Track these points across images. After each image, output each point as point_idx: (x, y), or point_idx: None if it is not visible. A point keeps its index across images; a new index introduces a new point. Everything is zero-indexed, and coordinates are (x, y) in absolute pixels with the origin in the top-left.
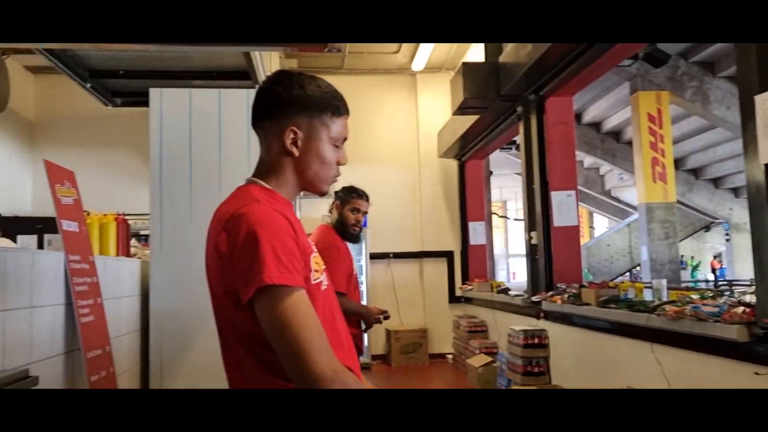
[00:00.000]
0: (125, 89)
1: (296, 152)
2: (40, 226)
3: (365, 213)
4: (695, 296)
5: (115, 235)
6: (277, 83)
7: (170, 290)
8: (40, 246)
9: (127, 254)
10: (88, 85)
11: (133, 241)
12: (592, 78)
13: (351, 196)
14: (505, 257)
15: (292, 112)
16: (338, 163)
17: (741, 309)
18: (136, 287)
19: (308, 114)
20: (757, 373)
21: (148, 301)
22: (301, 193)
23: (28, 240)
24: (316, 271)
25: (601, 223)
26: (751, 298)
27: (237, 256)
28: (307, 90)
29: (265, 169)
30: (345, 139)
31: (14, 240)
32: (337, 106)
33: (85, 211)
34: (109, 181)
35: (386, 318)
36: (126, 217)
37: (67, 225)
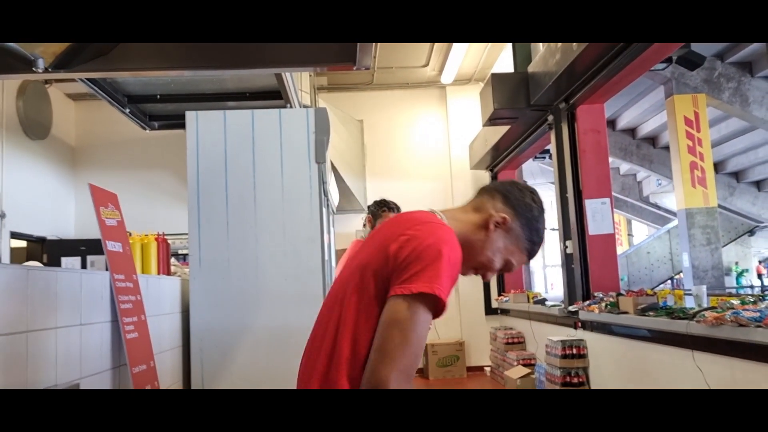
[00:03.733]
0: (162, 113)
1: (492, 231)
2: (84, 248)
3: None
4: (736, 302)
5: (156, 255)
6: (520, 188)
7: (209, 307)
8: (83, 267)
9: (168, 273)
10: (127, 110)
11: (172, 260)
12: (624, 84)
13: (382, 209)
14: (543, 268)
15: (519, 211)
16: (484, 277)
17: None
18: (177, 304)
19: (522, 223)
20: None
21: (188, 318)
22: (335, 209)
23: (72, 261)
24: None
25: (640, 231)
26: None
27: (414, 258)
28: (541, 215)
29: (458, 220)
30: (510, 270)
31: (59, 262)
32: (534, 250)
33: (127, 232)
34: (148, 202)
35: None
36: (169, 236)
37: (112, 246)
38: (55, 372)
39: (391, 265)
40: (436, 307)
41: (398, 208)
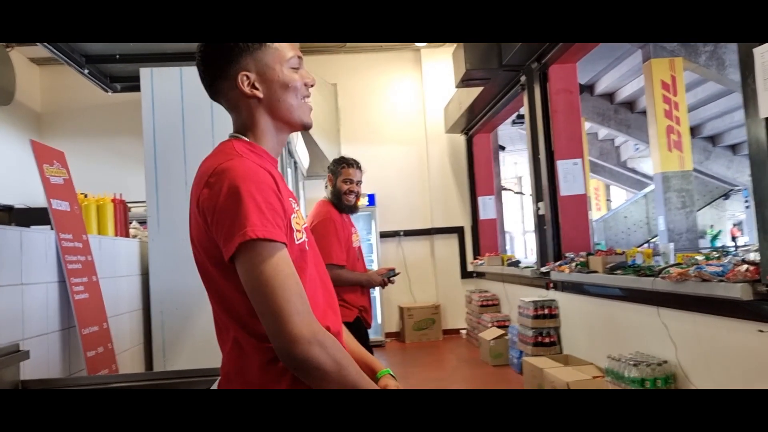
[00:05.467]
0: (123, 74)
1: (259, 93)
2: None
3: (359, 182)
4: (700, 258)
5: (114, 217)
6: (206, 51)
7: (169, 269)
8: None
9: (126, 235)
10: (86, 71)
11: (134, 224)
12: (596, 43)
13: (341, 166)
14: (522, 234)
15: (234, 60)
16: (306, 85)
17: (745, 267)
18: (135, 267)
19: (249, 53)
20: (761, 331)
21: (149, 281)
22: (305, 173)
23: (43, 230)
24: (298, 231)
25: (619, 196)
26: (755, 257)
27: (219, 212)
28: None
29: (243, 126)
30: (300, 58)
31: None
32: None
33: (82, 194)
34: (117, 169)
35: (395, 275)
36: (133, 204)
37: (57, 204)
38: None
39: (209, 225)
40: (270, 241)
41: (358, 164)
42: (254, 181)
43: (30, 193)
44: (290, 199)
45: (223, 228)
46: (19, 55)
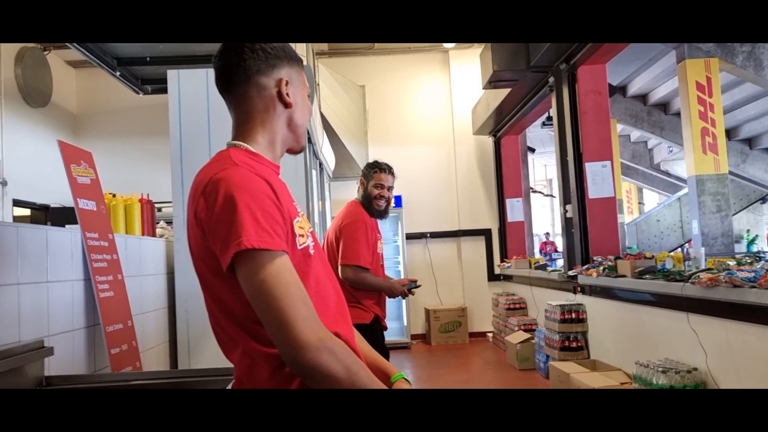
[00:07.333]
0: (153, 76)
1: (291, 102)
2: None
3: (391, 188)
4: (732, 263)
5: (140, 216)
6: (247, 49)
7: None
8: None
9: (153, 234)
10: (118, 74)
11: (162, 223)
12: (626, 44)
13: (373, 170)
14: (552, 237)
15: (278, 64)
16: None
17: None
18: (161, 266)
19: (289, 65)
20: None
21: (174, 280)
22: (331, 174)
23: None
24: (302, 235)
25: (651, 199)
26: None
27: (215, 222)
28: (275, 44)
29: (248, 132)
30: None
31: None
32: (300, 58)
33: (111, 193)
34: (148, 169)
35: (416, 287)
36: (162, 204)
37: (84, 203)
38: (17, 329)
39: (206, 236)
40: (267, 249)
41: (390, 169)
42: (249, 190)
43: (65, 192)
44: (294, 204)
45: (219, 238)
46: (56, 58)
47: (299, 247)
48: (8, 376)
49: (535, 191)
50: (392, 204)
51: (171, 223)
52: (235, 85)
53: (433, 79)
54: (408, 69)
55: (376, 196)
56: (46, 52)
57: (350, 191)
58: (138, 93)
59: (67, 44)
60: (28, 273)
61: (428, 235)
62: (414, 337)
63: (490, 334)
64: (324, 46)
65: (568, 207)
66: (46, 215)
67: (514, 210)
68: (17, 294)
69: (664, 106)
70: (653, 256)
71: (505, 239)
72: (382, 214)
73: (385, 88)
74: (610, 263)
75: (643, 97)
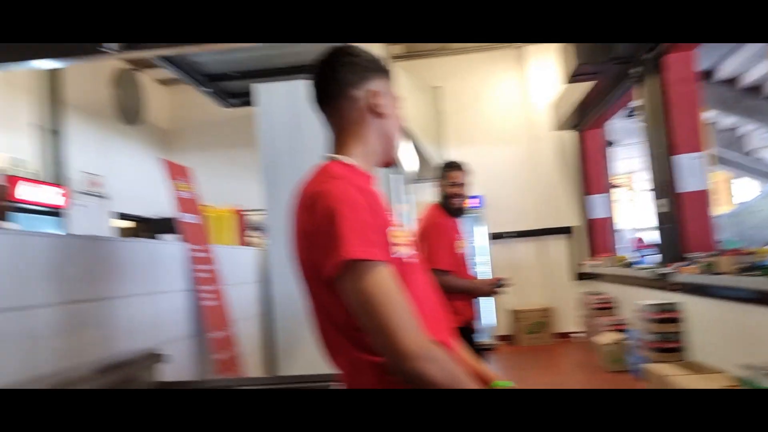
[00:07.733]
0: (240, 90)
1: (385, 113)
2: None
3: (463, 184)
4: None
5: (232, 227)
6: (339, 55)
7: (287, 276)
8: None
9: (243, 244)
10: (206, 89)
11: (252, 232)
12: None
13: (445, 170)
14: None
15: (369, 76)
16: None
17: None
18: (252, 274)
19: (379, 74)
20: None
21: (266, 288)
22: (413, 177)
23: (170, 238)
24: (398, 244)
25: (743, 189)
26: None
27: (318, 234)
28: (368, 55)
29: (344, 144)
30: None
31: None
32: (387, 69)
33: (204, 205)
34: (235, 180)
35: (502, 285)
36: (250, 212)
37: (186, 217)
38: (131, 339)
39: (311, 248)
40: (367, 260)
41: (460, 166)
42: (348, 202)
43: (155, 204)
44: (390, 213)
45: (322, 250)
46: (147, 79)
47: (396, 256)
48: (123, 385)
49: (615, 186)
50: (467, 203)
51: (257, 229)
52: (330, 99)
53: (508, 77)
54: (482, 68)
55: (450, 194)
56: (138, 73)
57: (431, 193)
58: (227, 107)
59: (160, 63)
60: (138, 284)
61: (510, 234)
62: (500, 338)
63: (576, 335)
64: (399, 48)
65: (661, 201)
66: (148, 227)
67: (598, 206)
68: (126, 306)
69: (755, 89)
70: (754, 252)
71: (590, 237)
72: (459, 212)
73: (459, 88)
74: (708, 260)
75: (731, 82)
